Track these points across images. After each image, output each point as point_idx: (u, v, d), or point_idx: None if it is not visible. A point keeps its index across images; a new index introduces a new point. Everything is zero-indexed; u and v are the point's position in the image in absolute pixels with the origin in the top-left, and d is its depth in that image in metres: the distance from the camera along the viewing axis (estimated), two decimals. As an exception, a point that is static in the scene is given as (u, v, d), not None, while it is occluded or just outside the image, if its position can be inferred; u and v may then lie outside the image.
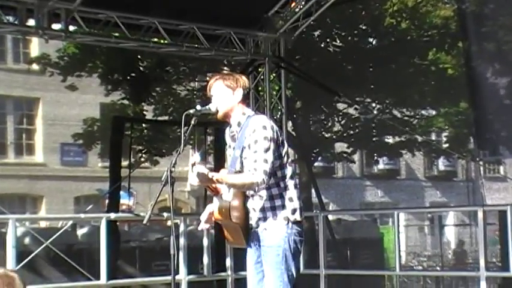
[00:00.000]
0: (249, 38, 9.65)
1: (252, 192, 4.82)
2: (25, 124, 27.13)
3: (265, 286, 4.83)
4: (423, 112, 19.07)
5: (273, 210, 4.83)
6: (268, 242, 4.80)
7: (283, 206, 4.83)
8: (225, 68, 14.71)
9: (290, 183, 4.90)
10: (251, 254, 4.95)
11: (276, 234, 4.79)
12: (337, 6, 10.98)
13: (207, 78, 15.30)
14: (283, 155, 4.88)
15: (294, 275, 4.89)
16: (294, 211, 4.83)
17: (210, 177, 4.58)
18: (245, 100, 4.98)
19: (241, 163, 4.76)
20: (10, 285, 3.07)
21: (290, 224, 4.81)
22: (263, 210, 4.84)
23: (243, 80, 5.00)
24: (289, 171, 4.91)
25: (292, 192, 4.88)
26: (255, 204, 4.85)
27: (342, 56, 16.23)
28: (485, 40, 8.51)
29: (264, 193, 4.82)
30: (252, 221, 4.86)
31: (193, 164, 4.58)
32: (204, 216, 4.91)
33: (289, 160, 5.06)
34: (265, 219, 4.83)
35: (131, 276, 10.08)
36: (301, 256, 8.73)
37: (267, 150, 4.69)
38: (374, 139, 18.59)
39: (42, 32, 8.24)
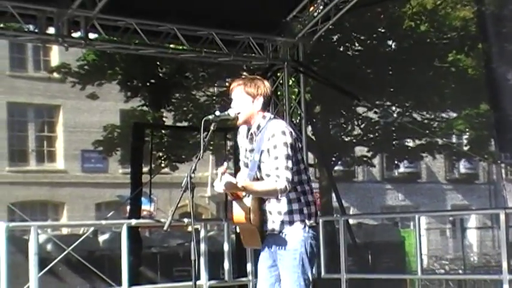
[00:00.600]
0: (267, 42, 9.65)
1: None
2: (46, 131, 27.30)
3: None
4: (443, 115, 18.97)
5: (290, 214, 4.84)
6: (285, 245, 4.80)
7: (300, 211, 4.84)
8: (244, 73, 14.73)
9: (307, 188, 4.91)
10: (265, 257, 4.95)
11: (292, 238, 4.80)
12: (356, 9, 10.95)
13: (226, 84, 15.32)
14: (300, 160, 4.90)
15: (310, 279, 4.88)
16: (310, 215, 4.85)
17: (236, 186, 4.59)
18: (266, 107, 4.96)
19: (259, 167, 4.77)
20: None
21: (306, 228, 4.83)
22: (280, 213, 4.85)
23: (265, 86, 4.96)
24: (305, 176, 4.93)
25: (308, 197, 4.90)
26: (272, 207, 4.86)
27: (361, 59, 16.19)
28: (506, 41, 8.47)
29: (282, 197, 4.83)
30: (268, 224, 4.87)
31: (223, 173, 4.58)
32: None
33: (306, 165, 5.08)
34: (282, 223, 4.83)
35: (153, 282, 10.10)
36: (322, 260, 8.73)
37: (287, 156, 4.70)
38: (394, 142, 18.52)
39: (62, 40, 8.29)
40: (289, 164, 4.70)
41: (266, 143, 4.78)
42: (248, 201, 4.78)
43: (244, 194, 4.80)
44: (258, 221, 4.82)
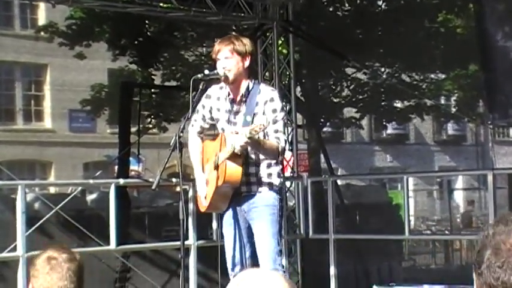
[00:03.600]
0: (257, 1, 9.56)
1: (249, 160, 4.87)
2: (33, 90, 27.13)
3: (260, 244, 4.87)
4: (432, 76, 18.95)
5: (269, 177, 4.96)
6: (264, 202, 4.90)
7: (278, 174, 4.93)
8: (233, 33, 14.62)
9: (287, 153, 5.14)
10: (234, 217, 5.02)
11: (269, 196, 4.94)
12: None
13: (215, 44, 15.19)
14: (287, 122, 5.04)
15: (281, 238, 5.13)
16: (285, 178, 5.11)
17: (253, 140, 4.56)
18: (251, 67, 4.98)
19: None
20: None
21: (279, 190, 5.01)
22: (259, 176, 4.91)
23: (252, 45, 5.00)
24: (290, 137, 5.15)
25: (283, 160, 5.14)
26: (252, 169, 4.91)
27: (350, 20, 16.09)
28: (497, 2, 8.41)
29: (262, 157, 4.90)
30: (245, 187, 4.92)
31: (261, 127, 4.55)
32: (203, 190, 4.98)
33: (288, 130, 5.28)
34: (259, 183, 4.90)
35: (141, 241, 10.12)
36: (310, 221, 8.76)
37: (285, 123, 4.90)
38: (383, 104, 18.52)
39: (48, -3, 8.18)
40: (285, 127, 4.88)
41: (261, 107, 4.77)
42: (239, 163, 4.81)
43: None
44: (238, 183, 4.93)
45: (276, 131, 4.73)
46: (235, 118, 4.89)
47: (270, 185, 4.93)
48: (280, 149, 4.76)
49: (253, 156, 4.90)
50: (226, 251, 4.97)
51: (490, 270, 1.71)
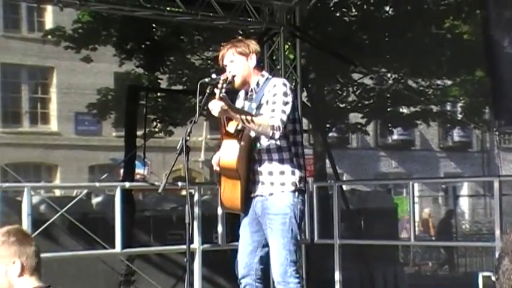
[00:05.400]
0: (264, 6, 9.57)
1: (262, 156, 4.77)
2: (40, 93, 27.18)
3: (271, 255, 4.80)
4: (439, 82, 18.93)
5: (281, 175, 4.78)
6: (275, 209, 4.76)
7: (292, 172, 4.79)
8: (240, 37, 14.62)
9: (300, 151, 4.88)
10: (249, 222, 4.89)
11: (282, 202, 4.76)
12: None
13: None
14: (297, 119, 4.88)
15: (298, 244, 4.91)
16: (301, 179, 4.80)
17: (225, 109, 4.45)
18: (260, 65, 4.96)
19: None
20: (25, 238, 3.01)
21: (297, 192, 4.79)
22: (271, 174, 4.79)
23: (254, 43, 4.98)
24: (300, 138, 4.91)
25: (300, 161, 4.85)
26: (263, 168, 4.80)
27: (357, 25, 16.09)
28: (504, 8, 8.40)
29: (275, 156, 4.78)
30: (257, 187, 4.81)
31: (225, 80, 4.47)
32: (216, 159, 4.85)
33: (302, 128, 5.04)
34: (272, 184, 4.77)
35: (146, 245, 10.12)
36: (315, 226, 8.74)
37: (286, 103, 4.67)
38: (389, 109, 18.50)
39: (56, 0, 8.19)
40: (287, 109, 4.66)
41: (266, 95, 4.75)
42: (237, 148, 4.66)
43: (235, 131, 4.71)
44: (245, 170, 4.74)
45: (273, 110, 4.66)
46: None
47: (283, 186, 4.75)
48: (271, 123, 4.53)
49: (263, 154, 4.78)
50: (238, 253, 4.94)
51: (505, 275, 1.72)
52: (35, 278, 2.97)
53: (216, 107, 4.40)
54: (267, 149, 4.75)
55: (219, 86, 4.43)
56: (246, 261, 4.85)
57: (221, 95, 4.42)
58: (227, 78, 4.52)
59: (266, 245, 4.85)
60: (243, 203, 4.76)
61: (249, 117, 4.56)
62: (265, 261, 4.84)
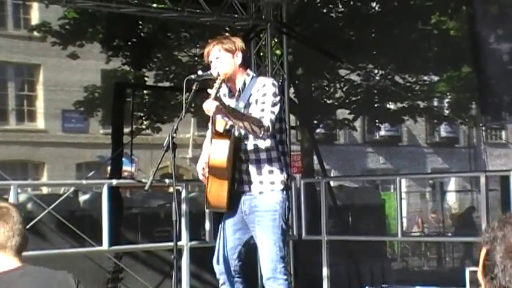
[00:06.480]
0: (250, 2, 9.56)
1: (250, 156, 4.79)
2: (26, 90, 27.07)
3: (261, 251, 4.83)
4: (425, 78, 18.98)
5: (270, 174, 4.82)
6: (264, 207, 4.79)
7: (281, 171, 4.83)
8: (226, 34, 14.60)
9: (286, 149, 4.93)
10: (233, 219, 4.91)
11: (272, 199, 4.80)
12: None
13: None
14: (283, 119, 4.91)
15: (286, 241, 4.99)
16: (288, 177, 4.86)
17: (220, 108, 4.46)
18: (246, 63, 4.96)
19: None
20: (3, 216, 2.94)
21: (285, 190, 4.85)
22: (260, 173, 4.82)
23: (240, 41, 4.99)
24: (286, 137, 4.95)
25: (287, 159, 4.91)
26: (251, 167, 4.83)
27: (344, 21, 16.11)
28: (489, 4, 8.44)
29: (263, 155, 4.80)
30: (244, 186, 4.84)
31: (223, 80, 4.52)
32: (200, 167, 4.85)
33: (286, 126, 5.08)
34: (261, 183, 4.82)
35: (133, 242, 10.11)
36: (303, 222, 8.76)
37: (275, 104, 4.70)
38: (376, 105, 18.54)
39: (42, -3, 8.17)
40: (275, 110, 4.70)
41: (255, 95, 4.76)
42: (227, 147, 4.69)
43: (224, 131, 4.73)
44: (232, 169, 4.77)
45: (262, 110, 4.68)
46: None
47: (273, 185, 4.79)
48: (262, 124, 4.59)
49: (251, 154, 4.82)
50: (217, 250, 4.94)
51: (506, 274, 1.66)
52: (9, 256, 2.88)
53: (211, 106, 4.41)
54: (255, 149, 4.78)
55: (216, 86, 4.46)
56: (225, 258, 4.87)
57: (217, 94, 4.46)
58: (224, 79, 4.58)
59: (246, 244, 4.90)
60: (228, 202, 4.79)
61: (242, 117, 4.60)
62: (243, 258, 4.88)
